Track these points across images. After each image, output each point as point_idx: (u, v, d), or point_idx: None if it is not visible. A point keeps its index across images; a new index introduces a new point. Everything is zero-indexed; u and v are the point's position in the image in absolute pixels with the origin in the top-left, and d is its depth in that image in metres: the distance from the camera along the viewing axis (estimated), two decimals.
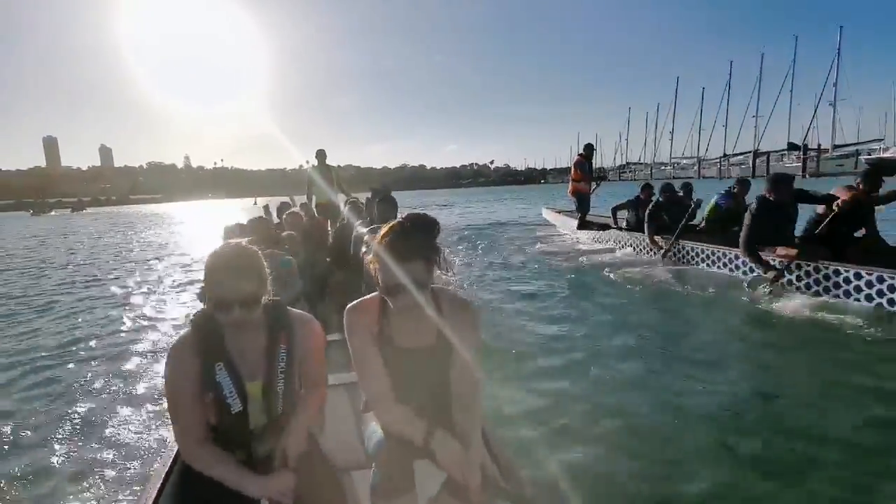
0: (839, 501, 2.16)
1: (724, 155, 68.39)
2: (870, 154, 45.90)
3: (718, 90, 69.79)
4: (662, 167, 79.25)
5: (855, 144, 53.85)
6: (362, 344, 1.49)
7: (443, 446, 1.39)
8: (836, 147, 53.94)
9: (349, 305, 1.53)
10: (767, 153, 60.76)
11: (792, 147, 56.34)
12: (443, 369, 1.51)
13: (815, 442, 2.57)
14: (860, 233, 5.11)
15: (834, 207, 4.88)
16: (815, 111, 53.96)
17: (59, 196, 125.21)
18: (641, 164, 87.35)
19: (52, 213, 70.68)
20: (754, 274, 5.44)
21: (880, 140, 49.40)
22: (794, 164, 52.42)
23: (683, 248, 6.78)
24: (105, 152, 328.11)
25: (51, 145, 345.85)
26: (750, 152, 63.01)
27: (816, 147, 54.25)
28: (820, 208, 5.13)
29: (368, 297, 1.54)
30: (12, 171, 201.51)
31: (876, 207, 5.03)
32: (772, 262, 5.24)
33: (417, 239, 1.41)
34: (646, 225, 7.29)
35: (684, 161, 76.64)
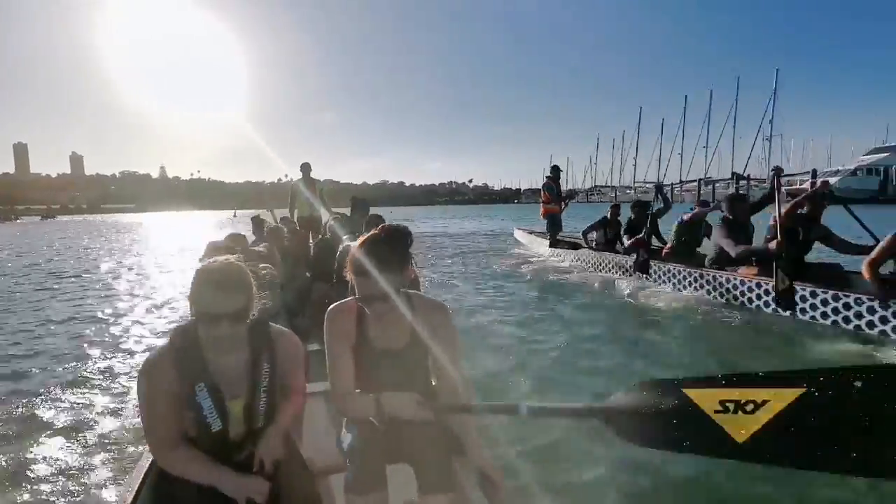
0: None
1: (680, 181, 71.89)
2: (811, 184, 49.00)
3: (677, 120, 74.11)
4: (627, 190, 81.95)
5: (786, 175, 57.06)
6: (336, 342, 1.55)
7: (391, 400, 1.44)
8: (768, 177, 57.26)
9: (331, 307, 1.58)
10: (713, 181, 64.86)
11: (734, 176, 60.54)
12: (415, 369, 1.58)
13: None
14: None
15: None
16: (754, 145, 60.20)
17: (28, 203, 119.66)
18: (608, 187, 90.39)
19: (19, 220, 67.13)
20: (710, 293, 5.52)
21: (806, 173, 53.16)
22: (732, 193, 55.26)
23: (662, 269, 6.69)
24: (76, 160, 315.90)
25: (21, 151, 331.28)
26: (700, 179, 67.22)
27: (746, 176, 58.26)
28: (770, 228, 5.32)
29: (349, 299, 1.58)
30: None
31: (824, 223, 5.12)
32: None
33: (392, 250, 1.45)
34: (623, 238, 7.39)
35: (645, 185, 79.72)
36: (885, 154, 46.89)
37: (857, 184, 42.10)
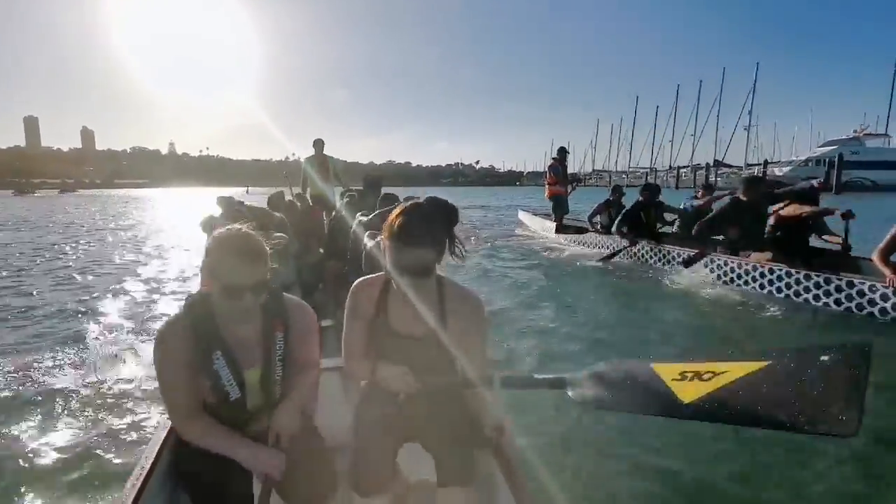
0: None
1: (670, 167, 72.32)
2: (762, 173, 49.66)
3: (671, 108, 74.36)
4: (623, 175, 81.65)
5: (756, 165, 57.40)
6: (353, 314, 1.47)
7: (383, 370, 1.37)
8: (748, 166, 58.00)
9: (357, 281, 1.48)
10: (695, 167, 66.04)
11: (716, 164, 62.10)
12: (436, 359, 1.42)
13: None
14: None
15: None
16: (732, 135, 63.06)
17: (39, 177, 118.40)
18: (606, 171, 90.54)
19: (37, 193, 66.18)
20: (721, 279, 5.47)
21: (758, 164, 53.55)
22: (712, 179, 56.14)
23: (658, 250, 6.69)
24: (87, 135, 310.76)
25: (31, 125, 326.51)
26: (679, 167, 68.79)
27: (717, 163, 59.87)
28: (772, 220, 5.19)
29: (374, 276, 1.48)
30: None
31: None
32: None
33: (433, 225, 1.31)
34: (618, 219, 7.18)
35: (639, 171, 79.61)
36: (835, 147, 48.34)
37: (805, 173, 43.54)
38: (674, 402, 1.03)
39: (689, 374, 1.06)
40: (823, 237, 5.15)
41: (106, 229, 15.27)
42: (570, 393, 1.24)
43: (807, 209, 4.95)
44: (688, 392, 1.03)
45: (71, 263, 8.30)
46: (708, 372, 1.04)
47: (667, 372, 1.11)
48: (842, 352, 0.92)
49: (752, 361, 1.01)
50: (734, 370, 1.01)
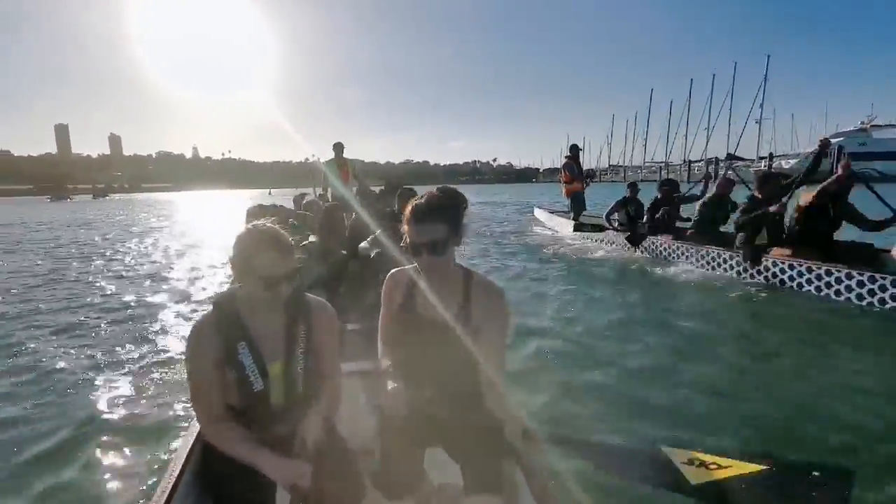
0: None
1: (684, 161, 70.81)
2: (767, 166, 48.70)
3: (685, 102, 72.78)
4: (639, 170, 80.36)
5: (763, 159, 56.35)
6: (384, 304, 1.56)
7: (389, 386, 1.42)
8: (759, 159, 56.88)
9: (391, 272, 1.56)
10: (707, 160, 64.98)
11: (729, 157, 60.80)
12: (456, 345, 1.43)
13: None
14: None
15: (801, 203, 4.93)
16: (744, 129, 61.12)
17: (71, 183, 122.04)
18: (621, 166, 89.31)
19: (69, 199, 68.30)
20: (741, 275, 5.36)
21: (764, 158, 52.89)
22: (721, 173, 54.78)
23: (673, 247, 6.63)
24: (114, 140, 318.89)
25: (62, 132, 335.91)
26: (690, 161, 68.80)
27: (728, 157, 58.05)
28: (795, 211, 5.08)
29: (406, 266, 1.55)
30: (24, 157, 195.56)
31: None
32: (763, 257, 5.16)
33: (442, 204, 1.40)
34: (645, 216, 7.12)
35: (654, 166, 78.33)
36: (841, 138, 47.37)
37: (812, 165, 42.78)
38: (681, 480, 1.19)
39: (697, 462, 1.21)
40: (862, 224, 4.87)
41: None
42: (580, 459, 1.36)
43: (817, 188, 4.85)
44: (694, 475, 1.19)
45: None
46: (713, 463, 1.20)
47: (676, 454, 1.26)
48: (829, 473, 1.12)
49: (750, 463, 1.19)
50: (735, 467, 1.18)
